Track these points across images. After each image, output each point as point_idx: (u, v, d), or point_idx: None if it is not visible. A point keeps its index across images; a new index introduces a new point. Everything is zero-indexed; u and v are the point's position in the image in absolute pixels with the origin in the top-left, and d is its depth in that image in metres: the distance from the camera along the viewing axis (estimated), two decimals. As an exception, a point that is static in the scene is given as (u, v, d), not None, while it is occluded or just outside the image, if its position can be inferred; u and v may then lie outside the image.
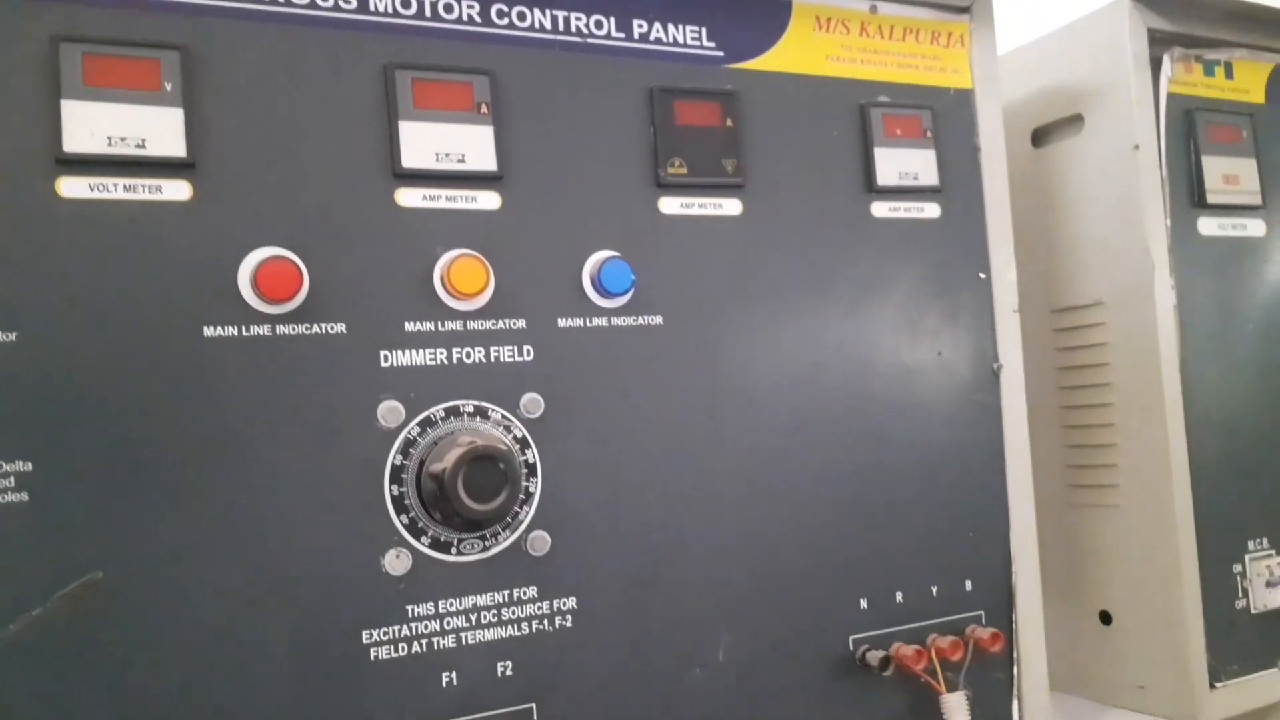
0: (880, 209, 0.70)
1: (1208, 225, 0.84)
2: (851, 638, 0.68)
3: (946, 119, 0.73)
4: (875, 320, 0.70)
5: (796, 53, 0.68)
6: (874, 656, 0.67)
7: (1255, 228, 0.87)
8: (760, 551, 0.65)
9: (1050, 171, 0.87)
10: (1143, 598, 0.83)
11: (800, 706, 0.66)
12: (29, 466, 0.47)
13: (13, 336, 0.47)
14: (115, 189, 0.50)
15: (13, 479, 0.47)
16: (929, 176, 0.72)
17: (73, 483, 0.48)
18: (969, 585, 0.72)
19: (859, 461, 0.69)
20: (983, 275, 0.73)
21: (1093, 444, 0.86)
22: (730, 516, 0.64)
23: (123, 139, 0.49)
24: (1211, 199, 0.84)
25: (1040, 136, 0.89)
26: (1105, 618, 0.86)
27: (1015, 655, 0.74)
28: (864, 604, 0.68)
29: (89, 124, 0.49)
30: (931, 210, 0.72)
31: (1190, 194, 0.84)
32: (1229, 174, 0.85)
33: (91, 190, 0.49)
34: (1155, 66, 0.82)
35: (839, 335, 0.69)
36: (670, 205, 0.63)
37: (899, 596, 0.70)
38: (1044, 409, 0.89)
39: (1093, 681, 0.88)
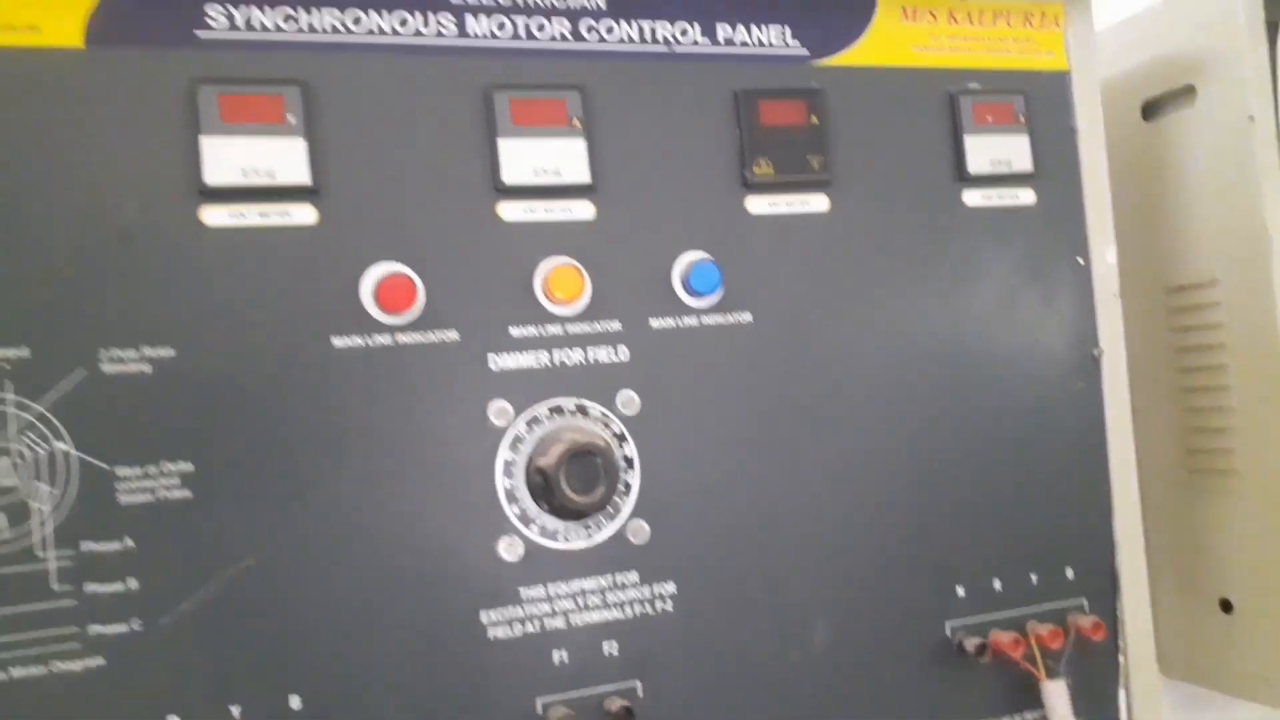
0: (972, 197, 0.78)
1: (1332, 197, 0.89)
2: (948, 624, 0.77)
3: (1041, 102, 0.80)
4: (968, 309, 0.78)
5: (882, 45, 0.77)
6: (971, 643, 0.76)
7: (1385, 198, 0.91)
8: (855, 540, 0.74)
9: (1162, 145, 0.94)
10: (1266, 586, 0.89)
11: (897, 691, 0.75)
12: (190, 467, 0.60)
13: (172, 352, 0.60)
14: (251, 215, 0.62)
15: (177, 478, 0.60)
16: (1023, 163, 0.79)
17: (226, 480, 0.60)
18: (1070, 573, 0.80)
19: (953, 450, 0.77)
20: (1081, 260, 0.81)
21: (1211, 426, 0.92)
22: (825, 505, 0.73)
23: (255, 170, 0.62)
24: (1336, 169, 0.89)
25: (1151, 109, 0.95)
26: (1226, 605, 0.93)
27: (1121, 644, 0.81)
28: (960, 591, 0.77)
29: (226, 158, 0.61)
30: (1026, 196, 0.80)
31: (1312, 165, 0.89)
32: (1355, 142, 0.90)
33: (231, 218, 0.61)
34: (1272, 33, 0.87)
35: (931, 325, 0.77)
36: (757, 205, 0.73)
37: (996, 584, 0.78)
38: (1159, 390, 0.96)
39: (1214, 671, 0.95)
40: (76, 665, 0.58)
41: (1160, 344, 0.95)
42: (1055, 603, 0.80)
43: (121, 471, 0.59)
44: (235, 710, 0.60)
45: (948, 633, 0.77)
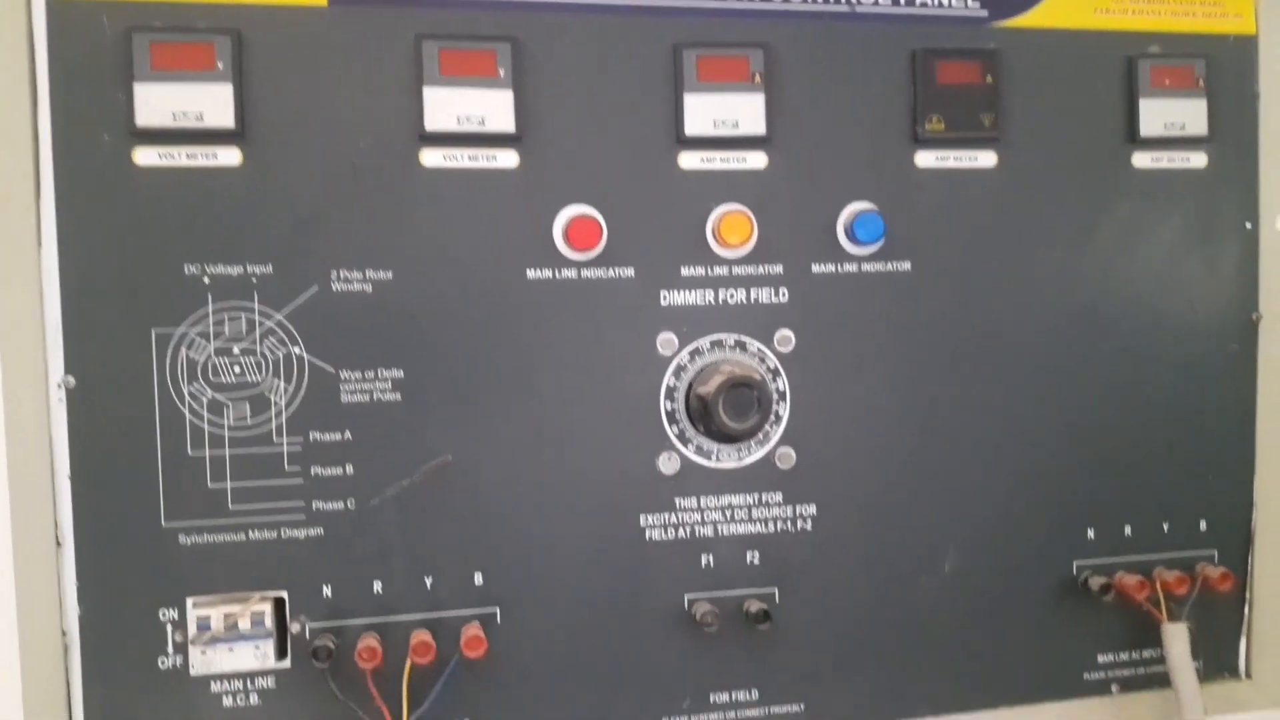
0: (1142, 159, 0.78)
1: None
2: (1075, 563, 0.80)
3: (1223, 66, 0.79)
4: (1129, 268, 0.79)
5: (1063, 7, 0.76)
6: (1096, 582, 0.79)
7: None
8: (992, 478, 0.78)
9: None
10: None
11: (1017, 620, 0.79)
12: (401, 373, 0.69)
13: (389, 275, 0.68)
14: (462, 159, 0.69)
15: (390, 382, 0.68)
16: (1197, 126, 0.78)
17: (431, 388, 0.69)
18: (1203, 525, 0.82)
19: (1100, 400, 0.79)
20: (1249, 225, 0.80)
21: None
22: (966, 444, 0.77)
23: (467, 118, 0.68)
24: None
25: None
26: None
27: (1248, 596, 0.83)
28: (1091, 533, 0.80)
29: (444, 106, 0.68)
30: (1197, 160, 0.79)
31: None
32: None
33: (445, 160, 0.68)
34: None
35: (1090, 281, 0.78)
36: (925, 159, 0.75)
37: (1127, 530, 0.80)
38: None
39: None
40: (300, 533, 0.68)
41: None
42: (1185, 552, 0.82)
43: (344, 374, 0.68)
44: (428, 580, 0.70)
45: (1074, 571, 0.80)
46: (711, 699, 0.75)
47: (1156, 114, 0.77)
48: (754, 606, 0.74)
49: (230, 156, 0.66)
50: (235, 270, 0.66)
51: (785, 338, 0.74)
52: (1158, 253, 0.79)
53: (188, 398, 0.66)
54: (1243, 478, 0.82)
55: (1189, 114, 0.78)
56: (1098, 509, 0.80)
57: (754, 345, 0.74)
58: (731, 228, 0.71)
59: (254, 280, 0.67)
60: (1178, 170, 0.79)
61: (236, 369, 0.67)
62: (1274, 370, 0.82)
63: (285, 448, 0.68)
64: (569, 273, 0.70)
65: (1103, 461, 0.80)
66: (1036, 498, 0.79)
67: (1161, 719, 0.83)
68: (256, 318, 0.67)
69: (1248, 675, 0.84)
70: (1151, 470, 0.81)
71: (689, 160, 0.72)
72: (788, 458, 0.74)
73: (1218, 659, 0.84)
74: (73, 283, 0.65)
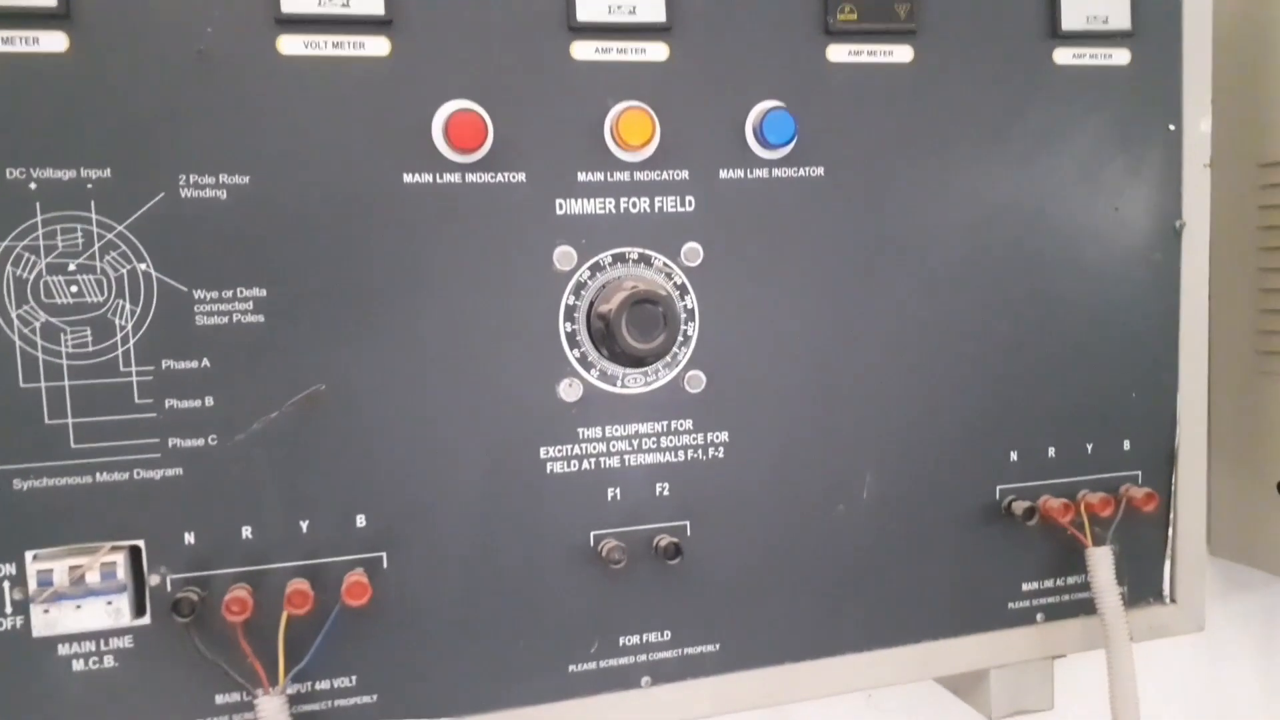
0: (1063, 55, 0.74)
1: None
2: (999, 487, 0.76)
3: (1148, -45, 0.75)
4: (1050, 173, 0.74)
5: (982, -111, 0.71)
6: (1019, 506, 0.75)
7: None
8: (911, 400, 0.73)
9: (1272, 11, 0.87)
10: (1327, 471, 0.87)
11: (939, 547, 0.75)
12: (263, 292, 0.61)
13: (246, 180, 0.60)
14: (325, 46, 0.61)
15: (251, 302, 0.60)
16: (1120, 20, 0.74)
17: (298, 307, 0.61)
18: (1127, 445, 0.78)
19: (1020, 316, 0.75)
20: (1172, 127, 0.76)
21: (1288, 308, 0.88)
22: (884, 365, 0.72)
23: (332, -1, 0.60)
24: None
25: (1265, -32, 0.88)
26: (1284, 489, 0.91)
27: (1171, 517, 0.80)
28: (1014, 456, 0.76)
29: (307, -14, 0.60)
30: (1120, 56, 0.75)
31: None
32: None
33: (305, 48, 0.60)
34: None
35: (1010, 187, 0.74)
36: (838, 53, 0.69)
37: (1051, 451, 0.77)
38: (1237, 268, 0.92)
39: (1264, 553, 0.93)
40: (156, 474, 0.60)
41: (1246, 222, 0.91)
42: (1109, 473, 0.79)
43: (199, 294, 0.60)
44: (304, 524, 0.63)
45: (997, 496, 0.76)
46: (621, 642, 0.69)
47: (1079, 6, 0.73)
48: (664, 541, 0.68)
49: (55, 42, 0.57)
50: (67, 174, 0.58)
51: (693, 251, 0.68)
52: (1080, 155, 0.75)
53: (16, 322, 0.58)
54: (1165, 394, 0.79)
55: (1112, 6, 0.73)
56: (1020, 430, 0.76)
57: (659, 260, 0.67)
58: (631, 126, 0.64)
59: (90, 186, 0.58)
60: (1100, 67, 0.74)
61: (73, 288, 0.58)
62: (1196, 281, 0.78)
63: (135, 378, 0.60)
64: (452, 177, 0.63)
65: (1025, 380, 0.76)
66: (957, 419, 0.75)
67: (1087, 646, 0.80)
68: (95, 229, 0.58)
69: (1172, 599, 0.81)
70: (1074, 388, 0.77)
71: (582, 50, 0.65)
72: (697, 381, 0.69)
73: (1142, 583, 0.81)
74: None
